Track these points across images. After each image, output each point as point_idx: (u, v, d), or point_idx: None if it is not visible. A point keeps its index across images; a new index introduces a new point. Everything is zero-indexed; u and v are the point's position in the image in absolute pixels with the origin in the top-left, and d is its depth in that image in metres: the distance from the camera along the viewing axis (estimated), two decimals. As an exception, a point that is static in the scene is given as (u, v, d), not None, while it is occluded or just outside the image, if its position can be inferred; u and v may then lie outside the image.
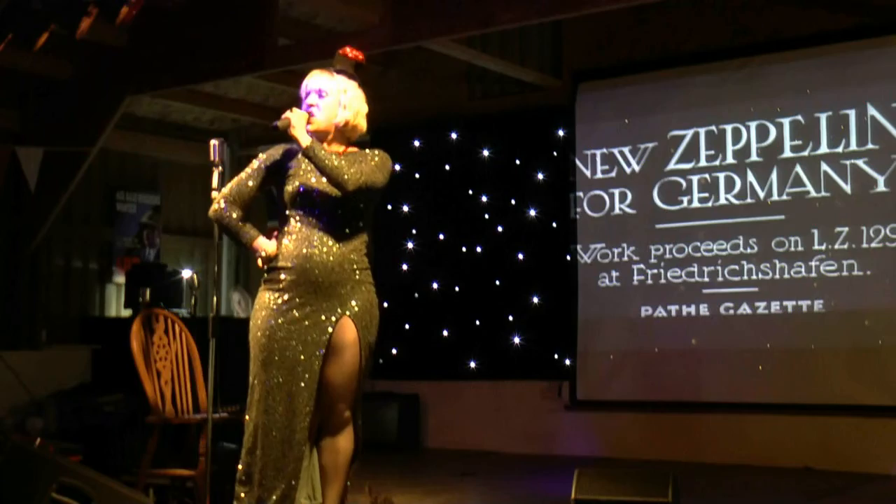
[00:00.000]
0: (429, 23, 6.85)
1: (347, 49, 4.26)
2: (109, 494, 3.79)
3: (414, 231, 9.31)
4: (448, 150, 9.20)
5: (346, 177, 3.99)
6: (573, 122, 8.54)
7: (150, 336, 5.28)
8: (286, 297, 4.06)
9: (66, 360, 8.27)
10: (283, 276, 4.07)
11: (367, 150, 4.21)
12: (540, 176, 8.73)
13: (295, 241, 4.07)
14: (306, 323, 4.04)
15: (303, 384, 4.01)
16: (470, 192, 9.06)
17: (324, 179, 4.04)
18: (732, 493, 6.55)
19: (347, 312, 4.07)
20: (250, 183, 4.18)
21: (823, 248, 7.49)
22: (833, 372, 7.35)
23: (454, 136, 9.18)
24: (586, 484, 5.09)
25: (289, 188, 4.12)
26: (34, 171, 7.92)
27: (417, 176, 9.31)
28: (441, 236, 9.18)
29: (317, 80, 4.17)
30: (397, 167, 9.37)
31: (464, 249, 9.07)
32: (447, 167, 9.21)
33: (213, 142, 4.29)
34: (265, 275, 4.15)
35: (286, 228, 4.13)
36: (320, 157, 3.99)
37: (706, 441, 7.69)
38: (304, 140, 4.01)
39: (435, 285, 9.17)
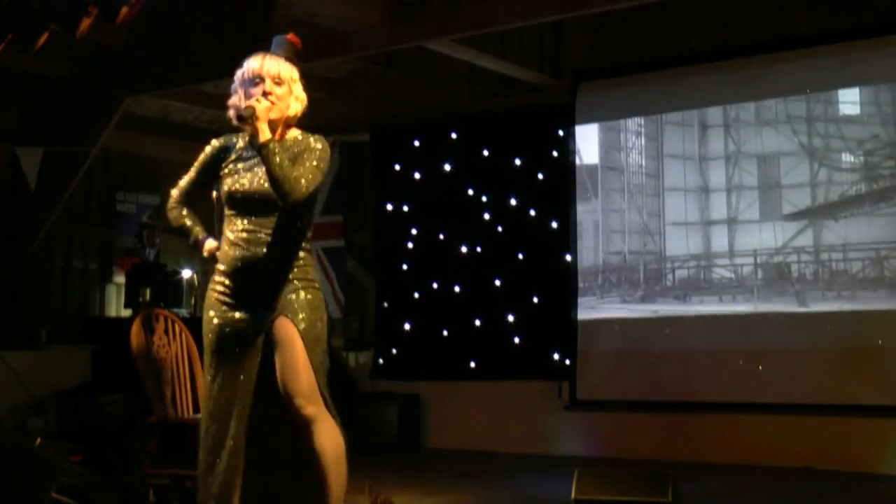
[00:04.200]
0: (429, 23, 6.86)
1: (292, 36, 4.09)
2: (109, 494, 3.79)
3: (414, 231, 9.31)
4: (448, 150, 9.20)
5: (292, 189, 3.78)
6: (573, 122, 8.54)
7: (150, 336, 5.28)
8: (226, 298, 3.95)
9: (66, 360, 8.27)
10: (222, 279, 3.96)
11: (310, 140, 3.98)
12: (540, 176, 8.73)
13: (231, 243, 3.93)
14: (244, 324, 3.91)
15: (239, 385, 3.88)
16: (470, 192, 9.05)
17: (264, 180, 3.84)
18: (732, 493, 6.55)
19: (283, 311, 3.86)
20: (194, 178, 4.08)
21: (824, 247, 7.49)
22: (833, 372, 7.35)
23: (454, 136, 9.17)
24: (586, 484, 5.10)
25: (226, 186, 3.96)
26: (34, 171, 7.92)
27: (417, 176, 9.31)
28: (441, 236, 9.18)
29: (273, 66, 3.93)
30: (397, 167, 9.42)
31: (464, 249, 9.07)
32: (447, 167, 9.21)
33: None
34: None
35: (226, 227, 3.98)
36: (274, 161, 3.76)
37: (706, 441, 7.68)
38: (266, 135, 3.79)
39: (435, 285, 9.16)
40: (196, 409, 5.33)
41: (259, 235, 3.90)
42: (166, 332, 5.36)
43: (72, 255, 9.01)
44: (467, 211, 9.04)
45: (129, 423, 7.19)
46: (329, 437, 3.82)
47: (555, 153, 8.69)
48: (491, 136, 8.98)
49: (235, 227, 3.94)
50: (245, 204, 3.94)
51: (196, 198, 4.15)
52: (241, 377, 3.88)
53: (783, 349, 7.55)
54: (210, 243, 4.07)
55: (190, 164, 4.16)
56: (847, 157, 7.50)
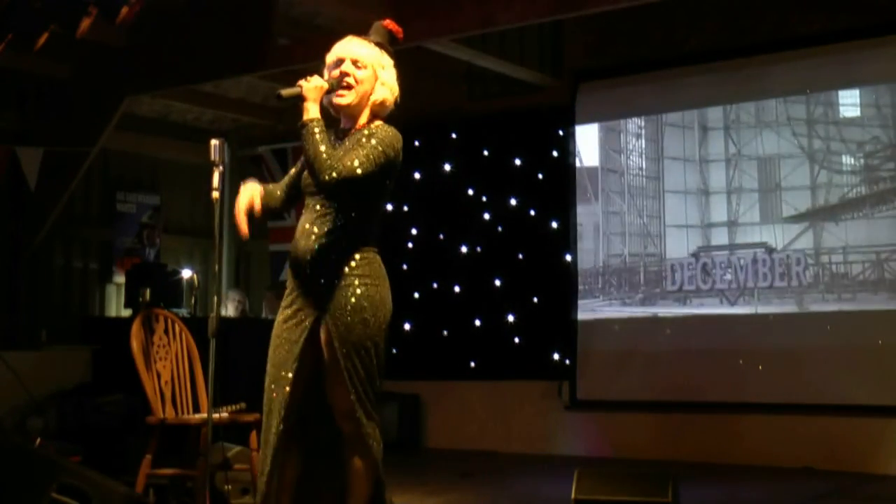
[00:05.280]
0: (429, 23, 6.85)
1: (389, 21, 3.86)
2: (109, 494, 3.78)
3: (414, 231, 9.31)
4: (448, 150, 9.20)
5: (321, 169, 3.56)
6: (573, 122, 8.54)
7: (150, 336, 5.27)
8: (287, 292, 3.82)
9: (66, 360, 8.26)
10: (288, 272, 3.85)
11: (381, 127, 3.73)
12: (540, 176, 8.73)
13: (294, 238, 3.79)
14: (292, 322, 3.73)
15: (278, 385, 3.72)
16: (470, 192, 9.06)
17: None
18: (732, 493, 6.55)
19: (324, 311, 3.67)
20: (297, 169, 3.89)
21: (824, 247, 7.49)
22: (833, 372, 7.35)
23: (454, 136, 9.17)
24: (586, 484, 5.09)
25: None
26: (34, 171, 7.92)
27: (417, 176, 9.31)
28: (441, 236, 9.18)
29: (354, 48, 3.73)
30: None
31: (464, 249, 9.07)
32: (447, 167, 9.21)
33: (213, 142, 4.16)
34: None
35: None
36: (310, 140, 3.57)
37: (706, 441, 7.68)
38: (311, 113, 3.60)
39: (435, 285, 9.17)
40: (196, 409, 5.33)
41: (312, 229, 3.72)
42: (166, 332, 5.35)
43: (72, 255, 9.00)
44: (467, 211, 9.04)
45: (129, 423, 7.19)
46: (357, 458, 3.74)
47: (555, 153, 8.70)
48: (491, 136, 8.98)
49: (304, 215, 3.78)
50: (308, 196, 3.78)
51: (284, 190, 3.94)
52: (283, 373, 3.72)
53: (783, 350, 7.55)
54: (249, 188, 3.82)
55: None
56: (847, 160, 7.50)
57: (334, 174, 3.58)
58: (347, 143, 3.72)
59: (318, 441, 3.86)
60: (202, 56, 7.61)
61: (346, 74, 3.71)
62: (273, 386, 3.76)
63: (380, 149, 3.66)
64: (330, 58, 3.79)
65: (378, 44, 3.80)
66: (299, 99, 3.66)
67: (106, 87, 8.02)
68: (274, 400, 3.74)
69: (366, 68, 3.73)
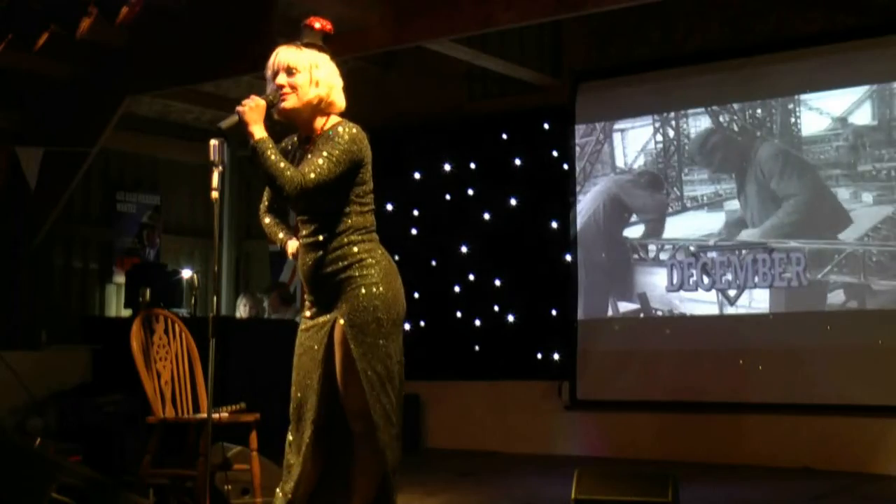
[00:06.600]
0: (429, 23, 6.86)
1: (314, 19, 3.94)
2: (109, 495, 3.78)
3: (414, 231, 9.31)
4: (448, 150, 9.20)
5: (282, 185, 3.62)
6: (573, 122, 8.54)
7: (150, 336, 5.27)
8: (307, 305, 3.90)
9: (66, 360, 8.25)
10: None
11: (338, 129, 3.76)
12: (540, 176, 8.73)
13: (300, 250, 3.88)
14: (312, 330, 3.83)
15: (306, 393, 3.78)
16: (469, 192, 9.06)
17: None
18: (732, 493, 6.55)
19: (338, 314, 3.75)
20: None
21: (824, 247, 7.49)
22: (833, 372, 7.35)
23: (454, 136, 9.17)
24: (586, 484, 5.08)
25: None
26: (34, 171, 7.92)
27: (417, 176, 9.31)
28: (440, 236, 9.18)
29: (284, 56, 3.77)
30: (397, 167, 9.41)
31: (463, 249, 9.07)
32: (447, 167, 9.21)
33: (213, 142, 4.14)
34: None
35: None
36: (260, 159, 3.63)
37: (706, 441, 7.69)
38: (257, 133, 3.66)
39: (434, 285, 9.16)
40: (196, 409, 5.33)
41: (310, 238, 3.80)
42: (166, 332, 5.35)
43: (72, 255, 9.00)
44: (467, 211, 9.04)
45: (129, 423, 7.19)
46: (366, 459, 3.76)
47: (555, 153, 8.70)
48: (491, 136, 8.98)
49: (301, 229, 3.86)
50: (298, 208, 3.85)
51: (281, 204, 4.00)
52: (309, 381, 3.79)
53: (783, 350, 7.55)
54: (292, 245, 3.95)
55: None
56: (847, 158, 7.49)
57: (297, 186, 3.63)
58: (317, 147, 3.74)
59: (334, 443, 3.90)
60: (202, 56, 7.61)
61: (282, 86, 3.75)
62: (300, 395, 3.83)
63: (341, 147, 3.71)
64: (268, 71, 3.81)
65: (308, 44, 3.84)
66: (242, 125, 3.69)
67: (106, 87, 8.02)
68: (304, 407, 3.80)
69: (299, 72, 3.77)
